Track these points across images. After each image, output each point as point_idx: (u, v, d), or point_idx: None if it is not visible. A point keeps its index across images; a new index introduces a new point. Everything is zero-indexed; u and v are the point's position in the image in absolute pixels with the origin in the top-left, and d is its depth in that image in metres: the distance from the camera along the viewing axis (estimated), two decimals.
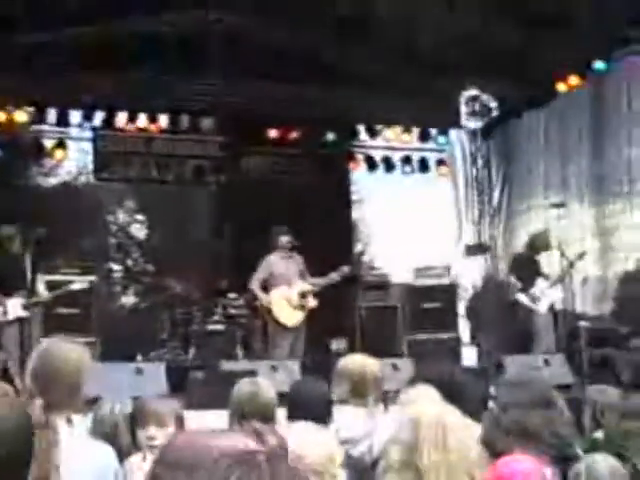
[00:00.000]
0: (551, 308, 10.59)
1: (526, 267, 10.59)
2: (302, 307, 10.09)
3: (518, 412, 3.08)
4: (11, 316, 8.91)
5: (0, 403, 2.17)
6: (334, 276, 10.25)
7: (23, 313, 8.94)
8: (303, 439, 3.21)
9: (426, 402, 3.85)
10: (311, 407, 3.98)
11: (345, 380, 4.63)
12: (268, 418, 4.21)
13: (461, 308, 13.13)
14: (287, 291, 10.08)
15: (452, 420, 2.74)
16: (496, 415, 3.13)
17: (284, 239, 10.08)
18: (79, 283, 9.65)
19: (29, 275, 8.94)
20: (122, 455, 3.94)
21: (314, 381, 4.64)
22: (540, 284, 10.47)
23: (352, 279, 11.44)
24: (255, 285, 10.08)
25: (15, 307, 8.93)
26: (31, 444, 2.21)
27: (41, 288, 9.23)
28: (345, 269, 10.35)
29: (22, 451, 2.18)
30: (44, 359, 3.06)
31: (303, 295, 10.09)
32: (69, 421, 3.06)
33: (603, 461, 2.74)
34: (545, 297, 10.48)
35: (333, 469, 3.10)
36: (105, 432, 4.17)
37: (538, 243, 10.75)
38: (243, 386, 4.37)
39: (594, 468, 2.70)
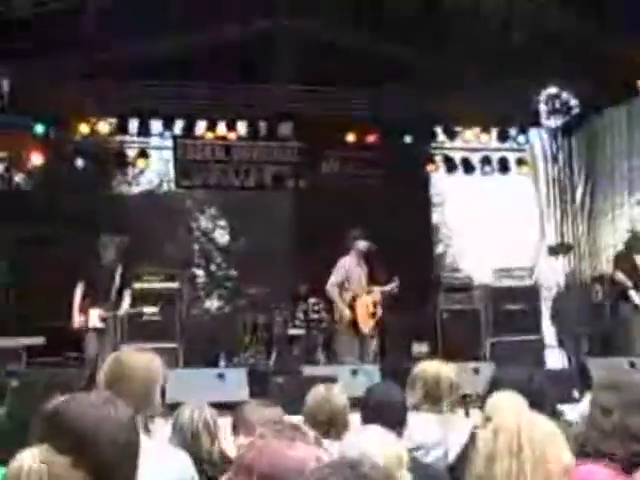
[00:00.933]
0: None
1: (629, 266, 10.31)
2: (374, 315, 10.05)
3: (620, 414, 3.03)
4: (90, 325, 9.12)
5: (110, 407, 2.21)
6: (388, 288, 10.21)
7: (100, 324, 9.14)
8: (372, 441, 3.22)
9: (509, 411, 3.81)
10: (385, 412, 3.96)
11: (419, 386, 4.62)
12: (339, 424, 4.22)
13: (545, 309, 12.96)
14: (365, 298, 10.06)
15: (531, 430, 2.70)
16: (597, 419, 3.08)
17: (362, 244, 10.00)
18: (152, 307, 9.78)
19: (117, 286, 9.20)
20: (202, 462, 3.99)
21: (389, 386, 4.62)
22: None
23: (434, 282, 11.40)
24: (333, 290, 10.00)
25: (94, 318, 9.14)
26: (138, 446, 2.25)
27: (125, 302, 9.39)
28: (395, 283, 10.27)
29: (132, 452, 2.22)
30: (114, 367, 3.13)
31: (375, 304, 10.05)
32: (146, 428, 3.10)
33: None
34: None
35: (400, 471, 3.10)
36: (184, 438, 4.22)
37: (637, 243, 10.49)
38: (315, 392, 4.40)
39: None
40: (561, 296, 12.76)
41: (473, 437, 3.52)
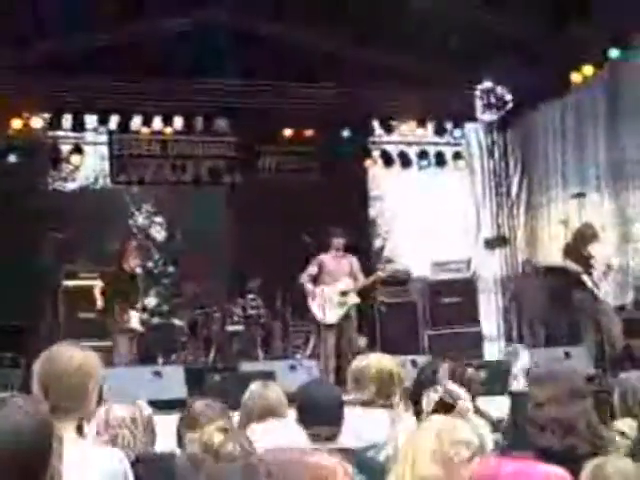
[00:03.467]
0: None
1: (578, 257, 10.45)
2: (342, 304, 10.19)
3: (551, 407, 3.05)
4: None
5: (18, 411, 2.17)
6: (372, 278, 10.68)
7: None
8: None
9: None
10: (321, 410, 3.91)
11: (368, 381, 4.53)
12: (281, 418, 4.19)
13: (482, 301, 13.10)
14: (329, 289, 10.22)
15: (450, 431, 2.72)
16: (531, 413, 3.10)
17: (336, 241, 10.37)
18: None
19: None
20: (138, 460, 3.93)
21: (323, 383, 4.58)
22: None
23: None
24: (305, 279, 10.35)
25: None
26: (48, 450, 2.20)
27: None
28: (380, 274, 10.95)
29: (39, 456, 2.18)
30: (47, 365, 3.02)
31: (344, 293, 10.20)
32: (79, 427, 3.04)
33: (614, 462, 2.69)
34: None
35: None
36: (121, 436, 4.17)
37: (588, 234, 10.62)
38: (251, 389, 4.37)
39: (601, 468, 2.65)
40: (517, 287, 12.92)
41: None
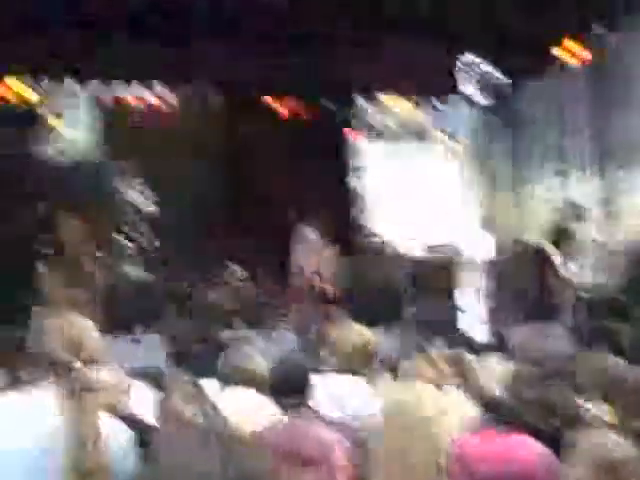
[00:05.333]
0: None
1: (559, 236, 10.49)
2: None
3: (541, 387, 3.08)
4: None
5: None
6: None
7: None
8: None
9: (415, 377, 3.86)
10: (288, 380, 3.97)
11: (347, 350, 4.58)
12: (256, 386, 4.22)
13: (464, 279, 13.13)
14: None
15: (424, 406, 2.74)
16: (519, 390, 3.12)
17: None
18: None
19: None
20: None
21: (294, 354, 4.65)
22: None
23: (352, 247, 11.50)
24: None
25: None
26: None
27: None
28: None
29: None
30: (70, 327, 3.08)
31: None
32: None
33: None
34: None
35: None
36: None
37: (572, 212, 10.65)
38: (230, 354, 4.39)
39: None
40: (499, 267, 12.95)
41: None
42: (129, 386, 4.31)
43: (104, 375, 4.12)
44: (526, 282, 11.95)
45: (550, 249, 10.24)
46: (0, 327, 10.08)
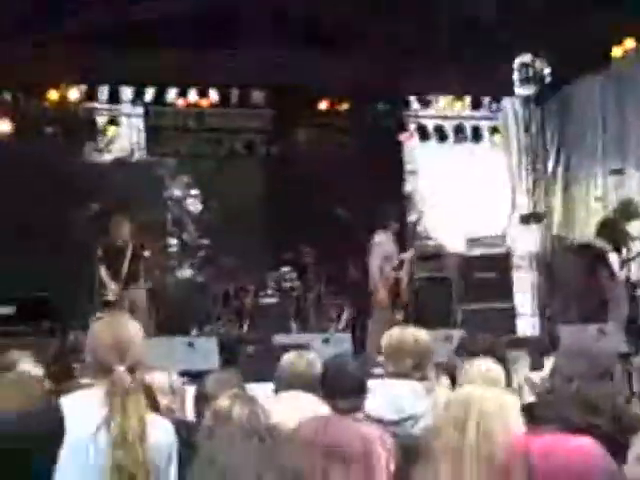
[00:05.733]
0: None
1: (615, 233, 10.35)
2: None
3: (579, 383, 3.04)
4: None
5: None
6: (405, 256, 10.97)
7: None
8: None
9: (469, 383, 3.81)
10: (343, 383, 3.94)
11: (405, 354, 4.55)
12: (311, 390, 4.21)
13: (516, 277, 13.02)
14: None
15: (481, 404, 2.69)
16: (559, 386, 3.09)
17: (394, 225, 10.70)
18: None
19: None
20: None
21: (349, 357, 4.62)
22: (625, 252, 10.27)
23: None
24: (376, 273, 10.51)
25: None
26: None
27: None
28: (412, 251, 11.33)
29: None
30: (116, 330, 3.07)
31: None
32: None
33: None
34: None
35: None
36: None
37: (630, 210, 10.50)
38: (287, 358, 4.38)
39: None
40: (550, 263, 12.83)
41: None
42: (180, 388, 4.33)
43: (150, 377, 4.15)
44: (578, 279, 11.83)
45: (605, 246, 10.10)
46: (57, 327, 10.33)
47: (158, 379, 4.32)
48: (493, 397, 2.76)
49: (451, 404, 2.74)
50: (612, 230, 10.37)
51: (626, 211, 10.47)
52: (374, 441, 3.64)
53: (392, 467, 3.62)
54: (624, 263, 10.18)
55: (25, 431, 2.81)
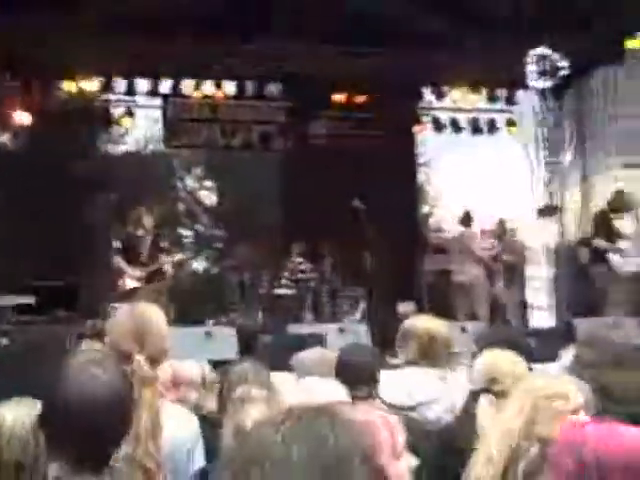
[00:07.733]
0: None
1: (609, 226, 10.34)
2: None
3: (596, 371, 3.07)
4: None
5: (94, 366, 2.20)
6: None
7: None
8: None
9: (513, 374, 3.83)
10: (355, 371, 3.98)
11: (413, 341, 4.58)
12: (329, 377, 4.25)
13: (531, 270, 13.02)
14: None
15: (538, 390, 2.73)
16: (579, 374, 3.12)
17: None
18: None
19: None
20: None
21: (358, 346, 4.64)
22: (621, 245, 10.25)
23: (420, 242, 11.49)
24: None
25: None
26: (128, 404, 2.26)
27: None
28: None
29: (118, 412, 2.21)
30: (138, 318, 3.08)
31: None
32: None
33: None
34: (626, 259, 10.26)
35: None
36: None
37: (620, 202, 10.49)
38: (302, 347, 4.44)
39: None
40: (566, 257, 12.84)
41: (474, 395, 3.52)
42: (212, 382, 4.34)
43: (181, 369, 4.16)
44: (588, 272, 11.85)
45: (599, 242, 10.12)
46: (79, 315, 10.41)
47: (190, 371, 4.32)
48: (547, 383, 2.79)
49: (512, 399, 2.77)
50: (602, 224, 10.38)
51: (617, 202, 10.48)
52: (378, 424, 3.66)
53: (398, 451, 3.64)
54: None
55: None
